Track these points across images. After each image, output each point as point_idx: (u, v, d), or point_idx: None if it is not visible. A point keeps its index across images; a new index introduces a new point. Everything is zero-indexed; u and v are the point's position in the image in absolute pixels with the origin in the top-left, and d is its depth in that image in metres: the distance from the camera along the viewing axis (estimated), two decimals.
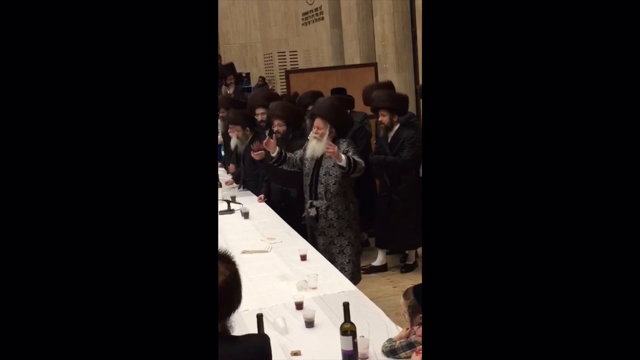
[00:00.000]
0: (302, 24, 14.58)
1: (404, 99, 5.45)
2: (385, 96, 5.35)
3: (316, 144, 4.40)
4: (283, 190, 5.39)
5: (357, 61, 10.61)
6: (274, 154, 4.58)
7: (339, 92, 6.43)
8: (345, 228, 4.41)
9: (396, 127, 5.28)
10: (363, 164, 4.31)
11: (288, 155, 4.60)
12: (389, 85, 5.94)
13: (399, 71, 9.61)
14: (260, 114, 6.01)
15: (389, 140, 5.31)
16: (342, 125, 4.44)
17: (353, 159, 4.27)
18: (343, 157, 4.25)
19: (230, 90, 9.12)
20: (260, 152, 5.63)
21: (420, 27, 8.54)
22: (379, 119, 5.33)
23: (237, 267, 1.98)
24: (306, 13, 14.22)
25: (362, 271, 4.79)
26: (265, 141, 4.62)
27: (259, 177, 5.82)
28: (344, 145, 4.34)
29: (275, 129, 5.29)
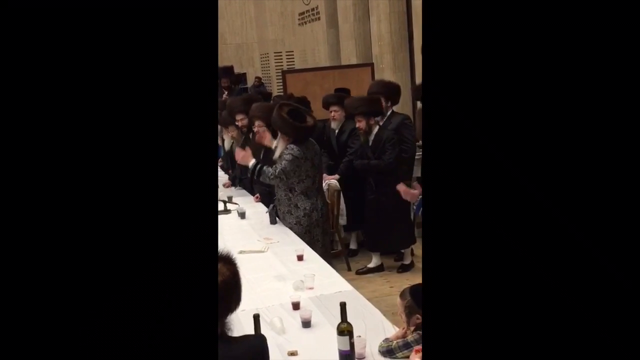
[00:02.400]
0: (299, 24, 14.58)
1: (377, 101, 5.46)
2: (357, 102, 5.37)
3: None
4: (267, 191, 5.44)
5: (354, 61, 10.61)
6: (250, 165, 4.64)
7: (342, 92, 6.46)
8: (294, 224, 4.58)
9: (375, 129, 5.30)
10: (270, 175, 4.45)
11: (264, 169, 4.58)
12: (392, 85, 5.96)
13: (395, 71, 9.62)
14: (240, 120, 6.02)
15: (370, 144, 5.31)
16: (291, 132, 4.52)
17: (259, 167, 4.51)
18: (251, 161, 4.58)
19: (223, 96, 9.03)
20: (247, 155, 5.67)
21: (417, 27, 8.55)
22: (357, 125, 5.36)
23: (238, 268, 1.98)
24: (302, 13, 14.21)
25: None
26: (242, 156, 4.67)
27: None
28: (287, 151, 4.48)
29: (255, 129, 5.29)
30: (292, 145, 4.48)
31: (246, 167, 5.90)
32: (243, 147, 5.84)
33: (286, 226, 4.61)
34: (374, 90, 5.77)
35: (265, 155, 5.03)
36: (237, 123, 6.06)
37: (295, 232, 4.52)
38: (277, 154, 4.59)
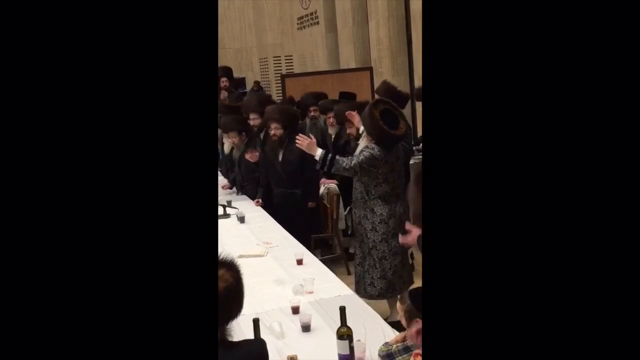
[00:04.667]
0: (298, 29, 14.59)
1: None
2: (348, 107, 5.26)
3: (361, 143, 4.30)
4: (287, 193, 5.33)
5: (353, 65, 10.62)
6: (317, 157, 4.17)
7: (346, 97, 6.46)
8: (369, 230, 4.23)
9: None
10: (345, 165, 4.06)
11: (337, 158, 4.14)
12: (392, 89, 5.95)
13: (394, 75, 9.61)
14: (253, 119, 6.01)
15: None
16: (376, 135, 4.15)
17: (331, 156, 4.08)
18: (318, 151, 4.14)
19: (222, 97, 8.91)
20: (254, 153, 5.61)
21: (416, 30, 8.55)
22: (347, 131, 5.38)
23: (241, 275, 1.96)
24: (301, 17, 14.23)
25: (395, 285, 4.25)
26: (307, 144, 4.18)
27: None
28: (367, 149, 4.13)
29: (272, 132, 5.28)
30: (374, 145, 4.12)
31: (249, 173, 5.89)
32: (246, 148, 5.83)
33: (360, 232, 4.26)
34: (381, 93, 5.70)
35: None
36: (249, 122, 6.04)
37: (370, 239, 4.19)
38: (357, 151, 4.24)
